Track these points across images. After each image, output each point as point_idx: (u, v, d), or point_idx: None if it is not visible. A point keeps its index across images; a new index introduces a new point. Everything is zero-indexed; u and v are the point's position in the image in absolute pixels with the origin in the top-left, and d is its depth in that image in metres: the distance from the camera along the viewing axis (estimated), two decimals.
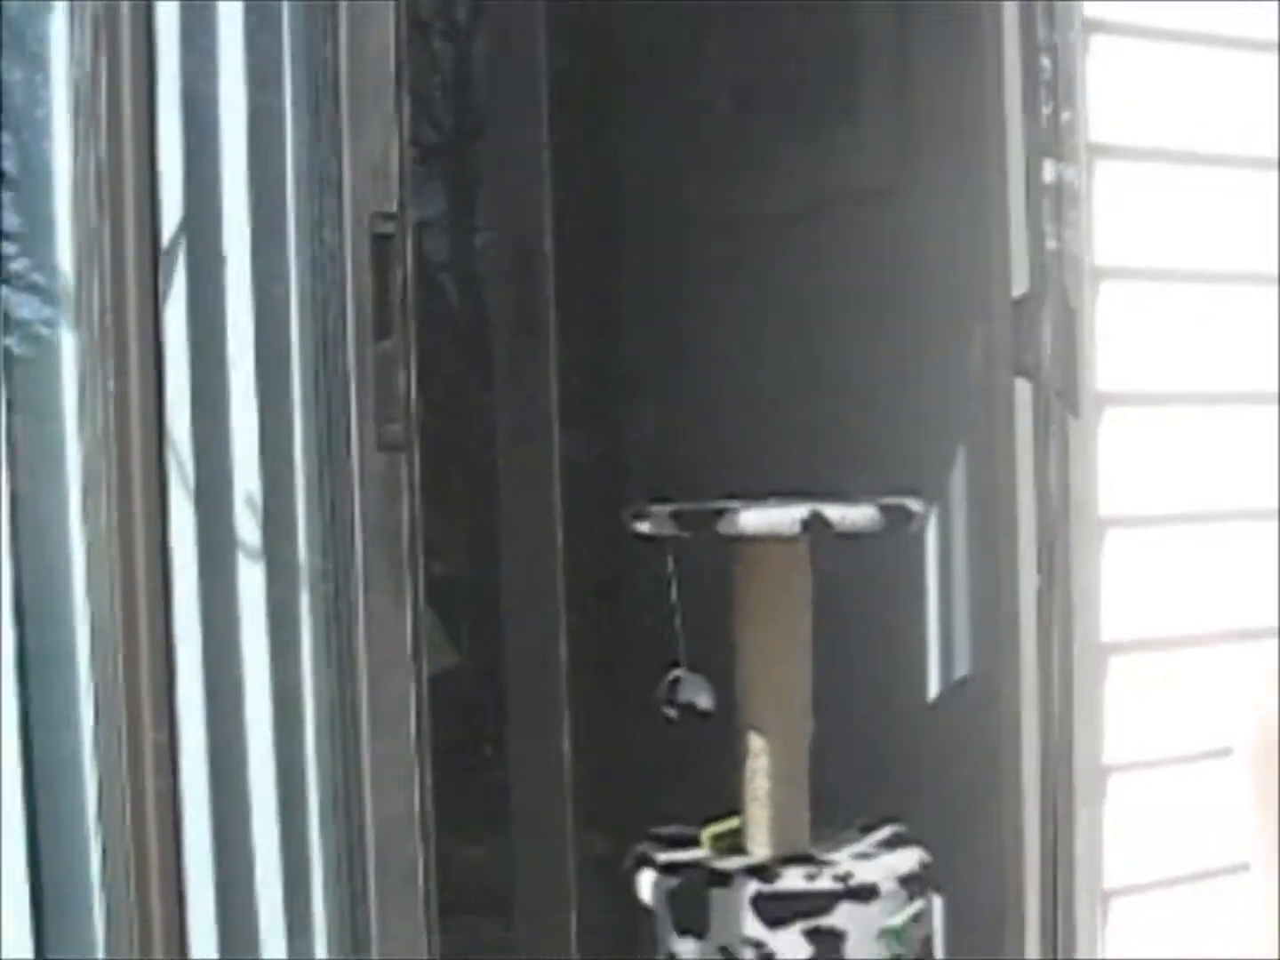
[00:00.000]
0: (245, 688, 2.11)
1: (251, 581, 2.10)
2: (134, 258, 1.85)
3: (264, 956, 2.21)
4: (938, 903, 3.06)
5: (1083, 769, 2.55)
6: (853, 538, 2.71)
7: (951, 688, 3.36)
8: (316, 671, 2.14)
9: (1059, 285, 2.48)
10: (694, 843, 2.87)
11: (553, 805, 2.40)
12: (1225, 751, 2.64)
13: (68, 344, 1.93)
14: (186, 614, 2.02)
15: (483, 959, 2.95)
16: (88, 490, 1.91)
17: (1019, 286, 2.50)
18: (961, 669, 3.32)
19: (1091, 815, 2.56)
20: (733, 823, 2.89)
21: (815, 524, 2.63)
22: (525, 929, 2.50)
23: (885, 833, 2.93)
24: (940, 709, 3.39)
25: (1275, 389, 2.67)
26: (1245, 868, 2.64)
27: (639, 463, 3.91)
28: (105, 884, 1.96)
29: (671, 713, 2.80)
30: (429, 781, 2.15)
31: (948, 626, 3.32)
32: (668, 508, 2.73)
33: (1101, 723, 2.56)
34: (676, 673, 2.79)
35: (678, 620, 2.77)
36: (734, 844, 2.86)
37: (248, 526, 2.09)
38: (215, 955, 2.14)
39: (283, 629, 2.12)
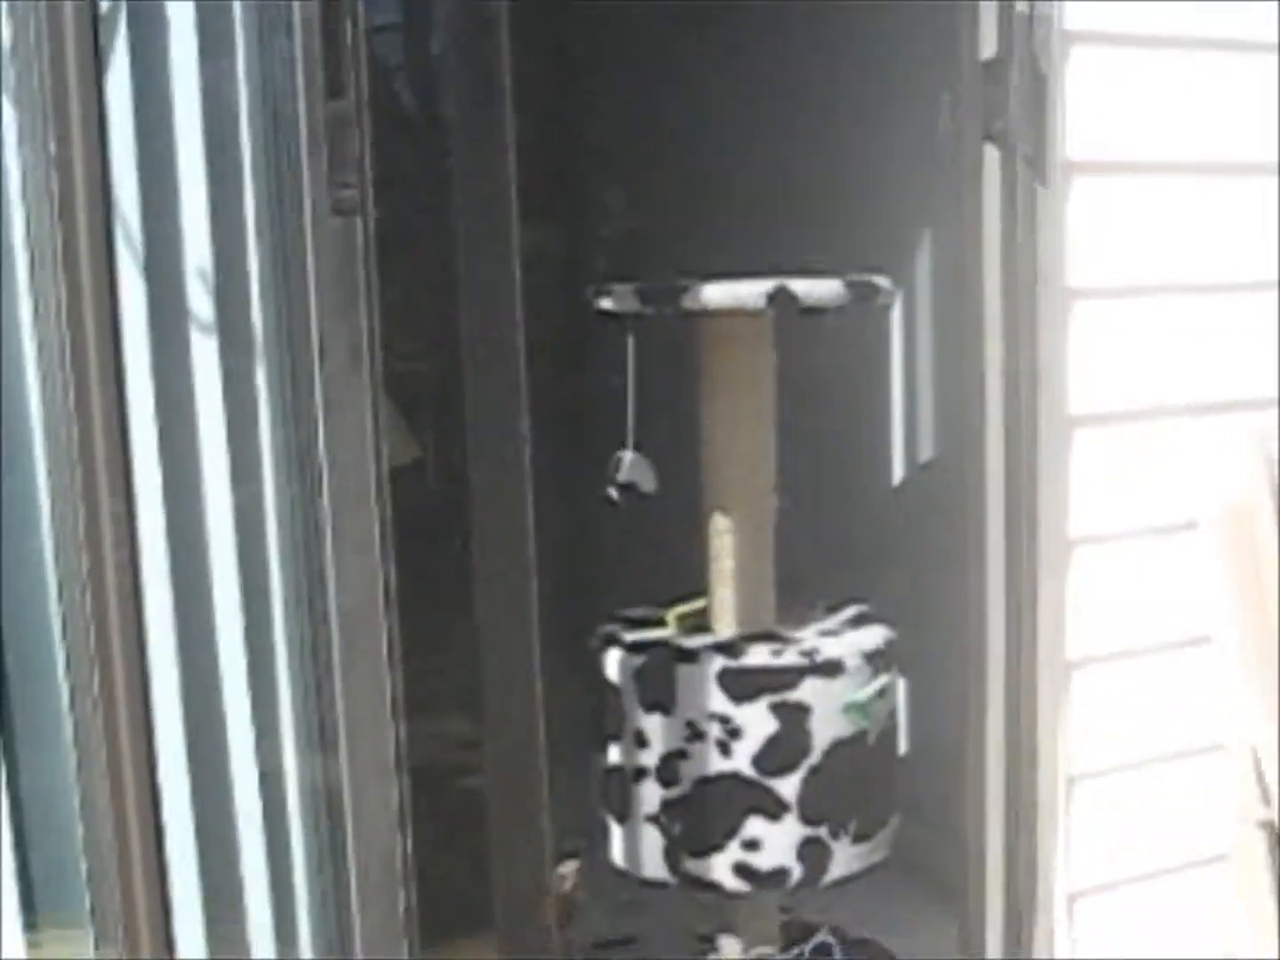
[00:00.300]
0: (202, 461, 2.09)
1: (205, 355, 2.07)
2: (72, 23, 1.76)
3: (225, 712, 2.22)
4: (902, 683, 3.08)
5: (1047, 542, 2.55)
6: (819, 314, 2.68)
7: (917, 470, 3.36)
8: (274, 444, 2.12)
9: (1028, 49, 2.41)
10: (659, 623, 2.88)
11: (517, 589, 2.38)
12: (1191, 525, 2.64)
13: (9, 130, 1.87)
14: (140, 388, 1.99)
15: (447, 753, 2.96)
16: (34, 265, 1.86)
17: (987, 49, 2.43)
18: (926, 451, 3.32)
19: (1055, 587, 2.56)
20: (698, 603, 2.89)
21: (781, 298, 2.59)
22: (491, 713, 2.49)
23: (850, 612, 2.94)
24: (906, 491, 3.39)
25: (1272, 159, 2.62)
26: (1207, 640, 2.65)
27: (603, 244, 3.86)
28: (69, 655, 1.94)
29: (613, 493, 2.79)
30: (392, 568, 2.13)
31: (914, 407, 3.31)
32: (631, 285, 2.68)
33: (1067, 497, 2.56)
34: (622, 454, 2.77)
35: (630, 401, 2.74)
36: (699, 623, 2.87)
37: (200, 298, 2.05)
38: (178, 709, 2.15)
39: (239, 402, 2.09)
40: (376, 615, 2.13)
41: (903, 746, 3.18)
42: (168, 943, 2.00)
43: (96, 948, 2.07)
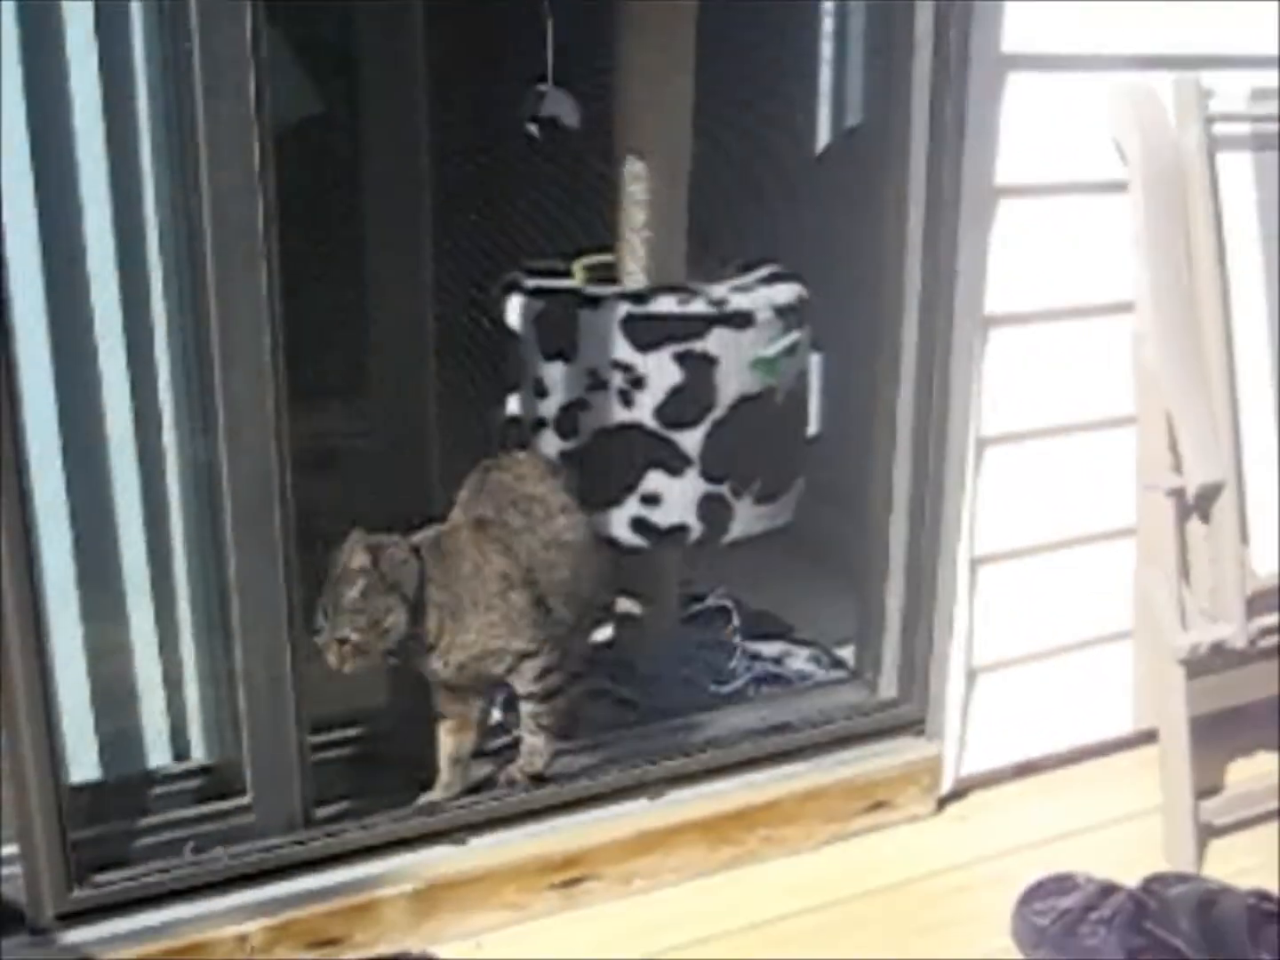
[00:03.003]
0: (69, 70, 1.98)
1: None
2: None
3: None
4: (815, 360, 3.01)
5: (971, 195, 2.44)
6: None
7: (841, 137, 3.24)
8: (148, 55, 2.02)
9: None
10: (566, 274, 2.77)
11: (411, 246, 2.27)
12: (1118, 187, 2.53)
13: None
14: None
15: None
16: None
17: None
18: (854, 116, 3.20)
19: (977, 243, 2.46)
20: (606, 256, 2.78)
21: None
22: (378, 380, 2.39)
23: (764, 271, 2.84)
24: (828, 161, 3.27)
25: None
26: (1128, 308, 2.57)
27: None
28: None
29: (533, 129, 2.66)
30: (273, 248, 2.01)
31: (843, 68, 3.18)
32: None
33: (995, 149, 2.43)
34: (542, 87, 2.64)
35: (549, 33, 2.60)
36: (607, 275, 2.76)
37: None
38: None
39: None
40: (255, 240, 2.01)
41: (813, 427, 3.11)
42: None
43: None
